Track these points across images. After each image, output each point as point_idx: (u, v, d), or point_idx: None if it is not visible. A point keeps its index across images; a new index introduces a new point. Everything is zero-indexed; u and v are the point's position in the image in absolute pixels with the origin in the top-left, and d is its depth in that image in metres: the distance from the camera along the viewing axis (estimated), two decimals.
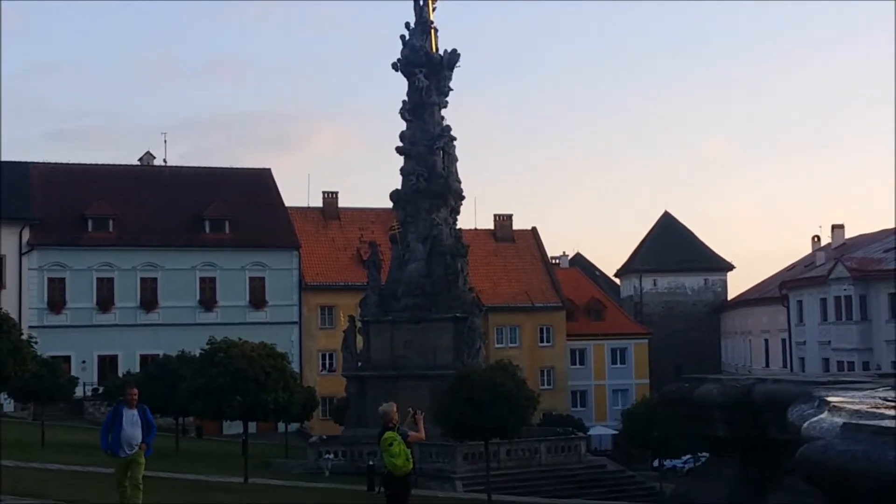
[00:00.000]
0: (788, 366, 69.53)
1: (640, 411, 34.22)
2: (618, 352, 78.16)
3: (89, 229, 66.15)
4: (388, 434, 13.28)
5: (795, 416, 3.51)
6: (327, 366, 68.99)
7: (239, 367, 28.52)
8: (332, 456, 41.37)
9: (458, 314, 45.38)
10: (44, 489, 19.80)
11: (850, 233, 76.37)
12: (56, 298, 64.69)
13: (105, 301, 65.50)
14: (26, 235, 64.12)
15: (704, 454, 54.62)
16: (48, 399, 41.82)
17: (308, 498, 26.52)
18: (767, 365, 73.65)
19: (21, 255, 63.84)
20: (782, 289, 71.11)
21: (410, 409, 14.30)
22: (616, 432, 67.61)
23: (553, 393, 71.05)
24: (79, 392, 53.29)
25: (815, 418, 3.45)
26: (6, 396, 49.57)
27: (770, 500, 4.09)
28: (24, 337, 26.66)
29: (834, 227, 77.42)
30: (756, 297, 79.55)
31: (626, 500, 37.33)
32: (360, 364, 47.35)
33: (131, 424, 15.01)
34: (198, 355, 34.51)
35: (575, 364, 76.75)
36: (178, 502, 18.83)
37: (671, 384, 4.64)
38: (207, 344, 30.63)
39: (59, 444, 38.86)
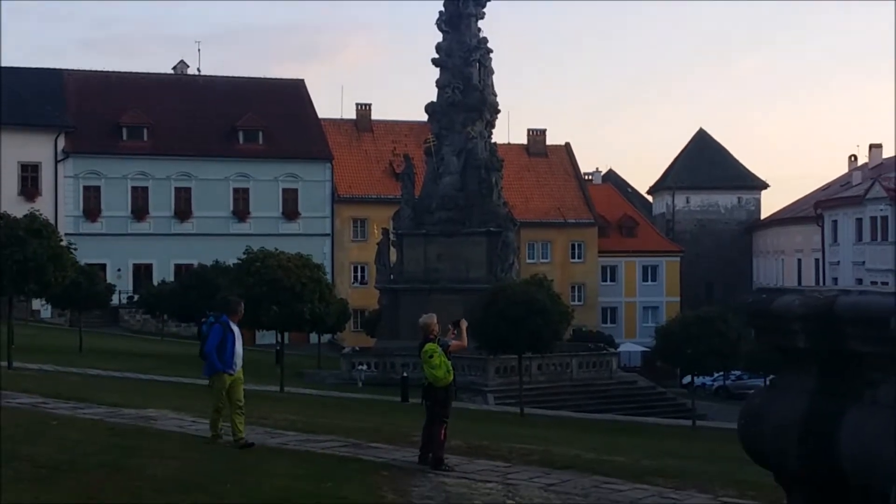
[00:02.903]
0: (821, 286, 69.04)
1: (673, 328, 34.12)
2: (649, 269, 77.95)
3: (123, 138, 66.24)
4: (428, 346, 13.23)
5: None
6: (359, 278, 69.32)
7: (275, 277, 28.59)
8: (364, 367, 41.72)
9: (491, 228, 45.29)
10: (85, 394, 20.03)
11: (887, 153, 75.23)
12: (91, 206, 65.08)
13: (140, 210, 65.87)
14: (61, 143, 64.27)
15: (736, 372, 54.92)
16: (85, 306, 42.32)
17: (345, 407, 26.77)
18: (800, 285, 73.25)
19: (56, 162, 64.08)
20: (817, 208, 70.38)
21: (450, 324, 14.20)
22: (646, 349, 67.85)
23: (583, 309, 71.08)
24: (114, 300, 53.90)
25: None
26: (44, 302, 50.20)
27: (849, 413, 3.94)
28: (64, 243, 26.85)
29: (872, 146, 76.26)
30: (790, 217, 78.83)
31: (657, 416, 37.52)
32: (392, 277, 47.49)
33: (238, 340, 13.79)
34: (233, 265, 34.73)
35: (606, 280, 76.65)
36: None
37: (748, 295, 4.46)
38: (244, 254, 30.70)
39: (96, 351, 39.40)
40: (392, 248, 48.63)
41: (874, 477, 3.83)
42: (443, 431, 13.11)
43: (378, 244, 49.55)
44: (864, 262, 61.06)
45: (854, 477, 3.94)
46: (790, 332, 4.29)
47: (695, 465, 15.94)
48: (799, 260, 74.54)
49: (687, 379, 56.30)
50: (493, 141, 48.97)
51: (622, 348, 62.26)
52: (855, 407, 3.97)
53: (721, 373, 52.11)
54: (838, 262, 65.99)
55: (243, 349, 13.84)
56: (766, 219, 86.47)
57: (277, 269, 28.91)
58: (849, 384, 4.07)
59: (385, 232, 49.35)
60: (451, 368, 13.22)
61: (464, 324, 14.05)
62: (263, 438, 13.49)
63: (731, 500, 11.89)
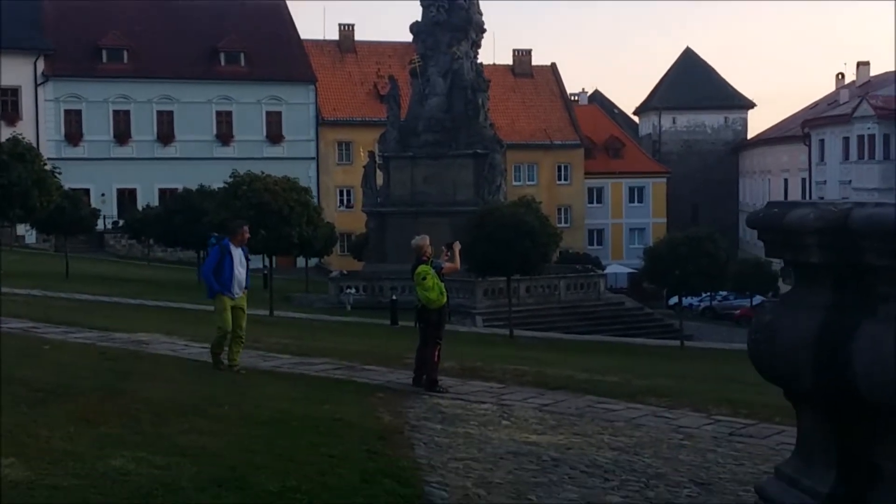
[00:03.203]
0: None
1: (661, 249, 34.14)
2: (636, 190, 77.92)
3: (104, 60, 65.34)
4: (421, 268, 13.15)
5: None
6: (345, 202, 69.12)
7: (263, 200, 28.41)
8: (353, 291, 41.75)
9: (478, 150, 45.05)
10: (75, 318, 19.98)
11: (875, 70, 74.90)
12: (73, 131, 64.43)
13: (122, 134, 65.27)
14: (41, 66, 63.36)
15: (722, 293, 55.18)
16: (70, 231, 42.09)
17: (335, 331, 26.83)
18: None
19: (36, 86, 63.25)
20: (804, 127, 70.22)
21: (444, 246, 14.12)
22: (632, 271, 68.07)
23: (570, 231, 71.04)
24: (99, 225, 53.61)
25: None
26: (28, 228, 49.93)
27: (863, 328, 3.87)
28: (48, 168, 26.56)
29: (859, 64, 75.90)
30: (777, 136, 78.67)
31: (645, 337, 37.74)
32: (379, 200, 47.30)
33: (240, 265, 13.34)
34: (218, 189, 34.45)
35: (592, 202, 76.66)
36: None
37: (758, 209, 4.36)
38: (230, 177, 30.45)
39: (83, 276, 39.28)
40: (378, 172, 48.38)
41: (888, 393, 3.78)
42: (436, 353, 13.11)
43: (364, 167, 49.28)
44: (850, 181, 61.14)
45: (868, 393, 3.89)
46: (804, 246, 4.20)
47: (686, 385, 16.04)
48: (785, 180, 74.58)
49: (674, 300, 56.68)
50: (478, 61, 48.47)
51: (609, 270, 62.49)
52: (869, 322, 3.90)
53: (708, 293, 52.35)
54: (825, 181, 66.05)
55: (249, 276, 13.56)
56: (752, 138, 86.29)
57: (264, 192, 28.72)
58: (863, 299, 4.01)
59: (371, 155, 49.05)
60: (444, 290, 13.17)
61: (457, 246, 13.97)
62: (256, 362, 13.48)
63: (724, 418, 11.94)
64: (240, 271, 13.27)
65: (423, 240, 13.47)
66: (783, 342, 4.19)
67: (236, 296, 13.24)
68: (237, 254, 13.29)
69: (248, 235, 13.74)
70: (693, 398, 13.58)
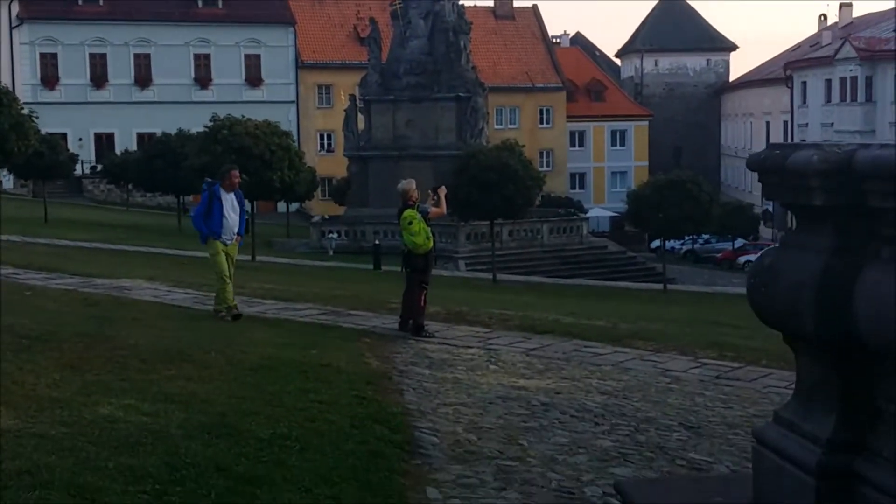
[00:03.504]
0: None
1: (645, 192, 34.07)
2: (618, 133, 77.70)
3: (79, 2, 64.33)
4: (407, 212, 13.04)
5: None
6: (325, 146, 68.69)
7: (243, 144, 28.18)
8: (335, 235, 41.62)
9: (460, 93, 44.73)
10: (56, 264, 19.82)
11: (857, 11, 74.62)
12: (49, 74, 63.63)
13: (99, 77, 64.50)
14: (15, 9, 62.36)
15: (704, 236, 55.32)
16: (48, 176, 41.69)
17: (318, 276, 26.74)
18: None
19: (11, 29, 62.28)
20: (786, 69, 69.96)
21: (430, 190, 14.02)
22: (614, 214, 68.11)
23: (552, 175, 70.85)
24: (77, 170, 53.15)
25: None
26: (6, 173, 49.45)
27: (866, 272, 3.81)
28: (25, 112, 26.16)
29: (842, 5, 75.45)
30: (759, 79, 78.39)
31: (628, 281, 37.83)
32: (361, 144, 46.98)
33: (232, 210, 13.10)
34: (197, 133, 34.13)
35: (574, 146, 76.41)
36: (199, 281, 18.85)
37: (759, 151, 4.27)
38: (210, 121, 30.14)
39: (62, 221, 38.99)
40: (359, 115, 47.98)
41: (889, 336, 3.74)
42: (423, 298, 13.05)
43: (345, 111, 48.83)
44: (832, 124, 61.11)
45: (869, 338, 3.85)
46: (807, 188, 4.13)
47: (671, 328, 16.07)
48: (767, 122, 74.48)
49: (656, 243, 56.86)
50: (460, 3, 47.96)
51: (591, 214, 62.48)
52: (871, 265, 3.85)
53: (690, 237, 52.47)
54: (807, 123, 66.00)
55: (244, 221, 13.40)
56: (734, 81, 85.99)
57: (245, 136, 28.48)
58: (865, 242, 3.95)
59: (352, 98, 48.60)
60: (430, 235, 13.08)
61: (443, 191, 13.86)
62: (241, 308, 13.36)
63: (711, 361, 11.97)
64: (231, 217, 13.04)
65: (410, 184, 13.36)
66: (784, 285, 4.13)
67: (228, 242, 13.04)
68: (228, 199, 13.06)
69: (238, 180, 13.43)
70: (679, 342, 13.61)
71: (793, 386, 10.79)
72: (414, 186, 13.34)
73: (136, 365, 8.54)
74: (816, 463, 3.84)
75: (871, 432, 4.03)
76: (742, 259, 55.67)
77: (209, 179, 13.61)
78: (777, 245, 4.59)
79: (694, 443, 7.72)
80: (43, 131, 37.32)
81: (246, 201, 30.86)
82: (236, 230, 13.17)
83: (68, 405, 6.72)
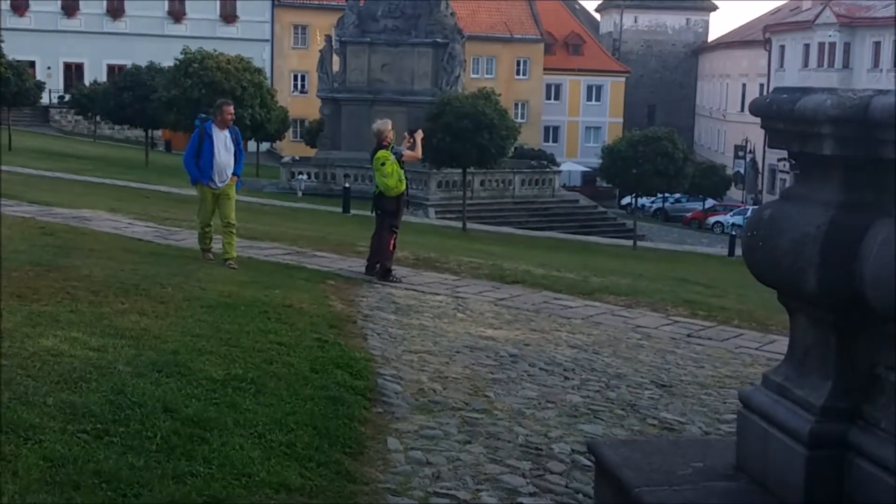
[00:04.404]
0: None
1: (620, 147, 33.76)
2: (594, 88, 77.21)
3: None
4: (381, 153, 12.67)
5: None
6: (299, 87, 67.82)
7: (214, 79, 27.64)
8: (305, 177, 41.08)
9: (438, 39, 44.03)
10: (15, 192, 19.26)
11: None
12: (19, 0, 62.22)
13: (70, 6, 63.20)
14: None
15: (677, 195, 55.18)
16: (14, 103, 40.87)
17: (285, 216, 26.29)
18: (742, 110, 73.32)
19: None
20: (765, 32, 69.70)
21: (406, 132, 13.65)
22: (587, 169, 67.85)
23: (526, 127, 70.23)
24: (45, 100, 52.15)
25: None
26: None
27: (875, 229, 3.53)
28: None
29: None
30: (737, 40, 78.06)
31: (598, 236, 37.66)
32: (335, 86, 46.26)
33: (224, 149, 12.07)
34: (168, 67, 33.48)
35: (550, 99, 75.89)
36: (161, 214, 18.41)
37: (764, 95, 3.96)
38: (181, 54, 29.48)
39: (26, 150, 38.21)
40: (335, 57, 47.21)
41: (894, 298, 3.48)
42: (392, 241, 12.72)
43: (320, 52, 48.00)
44: None
45: (874, 297, 3.58)
46: (816, 136, 3.83)
47: (642, 284, 15.83)
48: (744, 84, 74.29)
49: (626, 200, 56.72)
50: None
51: (563, 168, 62.18)
52: (882, 223, 3.58)
53: (660, 195, 52.31)
54: None
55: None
56: (713, 42, 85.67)
57: (216, 70, 27.93)
58: (876, 197, 3.68)
59: (328, 39, 47.74)
60: (403, 177, 12.72)
61: (420, 134, 13.51)
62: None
63: (682, 319, 11.74)
64: (223, 156, 12.09)
65: (385, 124, 12.99)
66: (785, 240, 3.86)
67: (218, 185, 12.12)
68: (220, 137, 12.12)
69: (231, 116, 12.40)
70: (650, 298, 13.38)
71: (764, 347, 10.59)
72: (390, 127, 12.98)
73: (87, 297, 8.13)
74: (809, 431, 3.59)
75: (869, 401, 3.82)
76: (711, 220, 55.67)
77: (202, 115, 12.68)
78: (777, 198, 4.31)
79: (666, 401, 7.47)
80: (10, 57, 36.55)
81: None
82: (230, 171, 12.21)
83: (10, 336, 6.31)
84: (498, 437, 6.06)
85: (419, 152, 13.38)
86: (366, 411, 6.15)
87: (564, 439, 6.15)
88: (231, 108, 12.50)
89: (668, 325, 11.28)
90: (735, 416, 7.25)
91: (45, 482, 4.15)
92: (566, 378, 7.90)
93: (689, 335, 10.73)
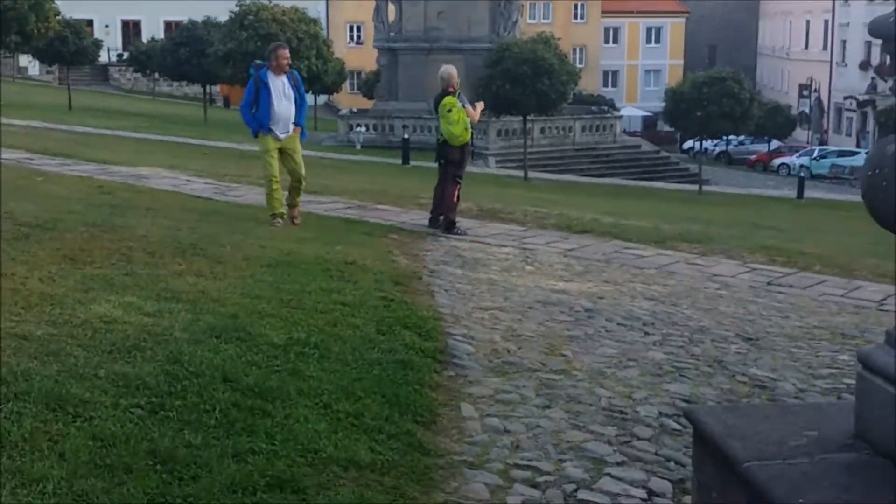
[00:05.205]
0: (829, 49, 67.31)
1: (684, 89, 32.83)
2: (653, 31, 75.68)
3: None
4: (448, 99, 12.19)
5: None
6: (355, 38, 67.30)
7: (270, 31, 27.25)
8: (363, 129, 40.70)
9: None
10: (74, 150, 19.15)
11: None
12: None
13: None
14: None
15: (741, 137, 53.95)
16: (73, 62, 41.02)
17: (345, 169, 25.96)
18: (807, 48, 71.39)
19: None
20: None
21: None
22: (647, 114, 66.68)
23: (585, 72, 69.03)
24: (103, 58, 52.27)
25: None
26: (31, 59, 48.76)
27: None
28: None
29: None
30: None
31: (662, 181, 36.89)
32: (392, 35, 45.65)
33: (283, 97, 11.09)
34: (225, 21, 33.17)
35: (608, 43, 74.59)
36: (221, 171, 18.17)
37: (887, 14, 3.47)
38: (237, 6, 29.13)
39: (86, 109, 38.30)
40: (391, 6, 46.55)
41: None
42: (456, 193, 12.30)
43: (376, 1, 47.42)
44: None
45: None
46: None
47: (714, 231, 15.27)
48: (808, 21, 72.21)
49: (688, 144, 55.60)
50: None
51: (623, 112, 61.10)
52: None
53: (723, 138, 51.15)
54: (848, 23, 63.92)
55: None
56: None
57: (272, 22, 27.57)
58: None
59: None
60: (469, 126, 12.26)
61: (480, 105, 13.18)
62: (262, 200, 12.51)
63: (760, 266, 11.20)
64: (283, 105, 11.11)
65: (451, 70, 12.56)
66: None
67: (281, 136, 11.19)
68: (277, 84, 11.12)
69: (287, 60, 11.31)
70: (724, 245, 12.85)
71: (850, 294, 9.98)
72: (455, 73, 12.52)
73: (142, 258, 7.81)
74: None
75: None
76: (777, 162, 54.41)
77: (257, 62, 11.70)
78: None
79: (754, 356, 7.00)
80: (67, 16, 36.52)
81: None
82: (292, 121, 11.23)
83: (60, 302, 6.00)
84: (579, 399, 5.65)
85: (476, 117, 12.71)
86: (437, 375, 5.77)
87: (650, 401, 5.73)
88: (286, 52, 11.44)
89: (745, 272, 10.76)
90: (830, 371, 6.81)
91: (94, 465, 3.82)
92: (646, 333, 7.45)
93: (769, 283, 10.21)
